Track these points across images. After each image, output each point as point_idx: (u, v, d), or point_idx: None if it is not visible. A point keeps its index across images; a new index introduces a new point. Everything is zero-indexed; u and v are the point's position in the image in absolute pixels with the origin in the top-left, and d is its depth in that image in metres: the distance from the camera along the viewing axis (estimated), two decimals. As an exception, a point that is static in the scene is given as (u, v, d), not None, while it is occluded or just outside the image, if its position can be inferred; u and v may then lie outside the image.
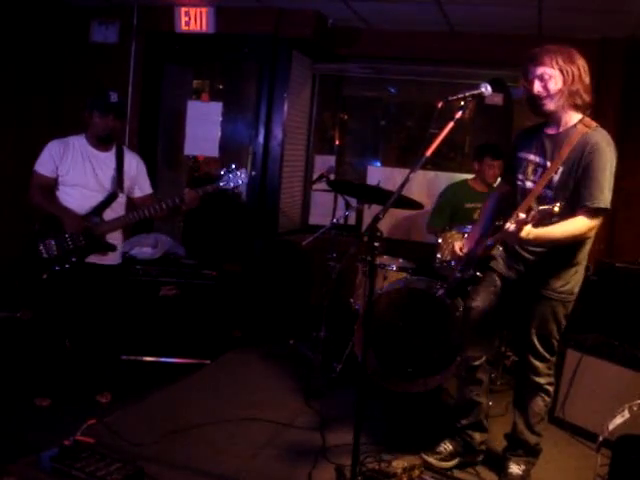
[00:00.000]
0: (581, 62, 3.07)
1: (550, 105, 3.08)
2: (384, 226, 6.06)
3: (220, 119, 6.30)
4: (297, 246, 5.87)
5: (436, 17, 5.63)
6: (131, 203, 4.26)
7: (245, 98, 6.61)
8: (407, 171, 2.88)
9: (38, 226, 3.99)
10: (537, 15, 5.23)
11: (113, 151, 4.14)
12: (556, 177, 3.09)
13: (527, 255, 3.24)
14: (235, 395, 4.38)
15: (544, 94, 3.06)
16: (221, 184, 4.08)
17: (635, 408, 3.19)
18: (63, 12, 6.33)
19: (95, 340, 4.18)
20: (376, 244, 2.79)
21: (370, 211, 5.06)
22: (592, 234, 3.09)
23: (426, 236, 5.56)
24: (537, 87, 3.07)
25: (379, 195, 4.72)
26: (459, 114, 2.93)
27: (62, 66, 6.40)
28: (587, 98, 3.09)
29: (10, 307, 4.73)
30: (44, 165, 4.03)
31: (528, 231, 2.83)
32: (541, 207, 2.72)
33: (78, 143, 4.09)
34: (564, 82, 3.03)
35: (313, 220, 6.81)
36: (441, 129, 2.84)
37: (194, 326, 4.95)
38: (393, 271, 4.82)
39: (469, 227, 4.33)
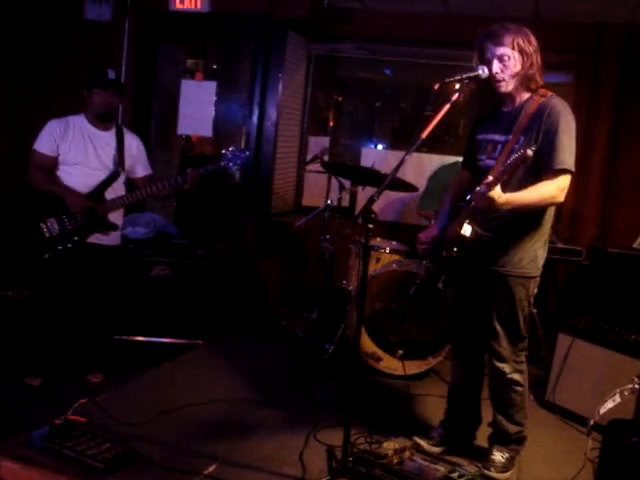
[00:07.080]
0: (536, 43, 3.04)
1: (507, 87, 3.05)
2: (378, 208, 6.05)
3: (214, 99, 6.26)
4: (290, 227, 5.86)
5: (433, -2, 5.60)
6: (130, 184, 4.26)
7: (239, 78, 6.56)
8: (402, 153, 2.86)
9: (39, 206, 3.96)
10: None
11: (113, 130, 4.14)
12: (516, 147, 3.00)
13: (485, 233, 3.09)
14: (227, 376, 4.38)
15: (502, 76, 3.02)
16: (222, 164, 4.10)
17: (626, 392, 3.21)
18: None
19: (88, 320, 4.16)
20: (370, 226, 2.78)
21: (364, 193, 5.05)
22: (562, 198, 2.99)
23: (420, 219, 5.55)
24: (496, 68, 3.01)
25: (373, 177, 4.70)
26: (455, 96, 2.91)
27: (55, 43, 6.32)
28: (541, 81, 3.08)
29: (1, 285, 4.71)
30: (44, 144, 4.00)
31: (499, 193, 2.76)
32: (513, 156, 2.66)
33: (78, 122, 4.07)
34: (522, 65, 3.01)
35: (306, 201, 6.78)
36: (437, 111, 2.83)
37: (186, 306, 4.94)
38: (386, 253, 4.81)
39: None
